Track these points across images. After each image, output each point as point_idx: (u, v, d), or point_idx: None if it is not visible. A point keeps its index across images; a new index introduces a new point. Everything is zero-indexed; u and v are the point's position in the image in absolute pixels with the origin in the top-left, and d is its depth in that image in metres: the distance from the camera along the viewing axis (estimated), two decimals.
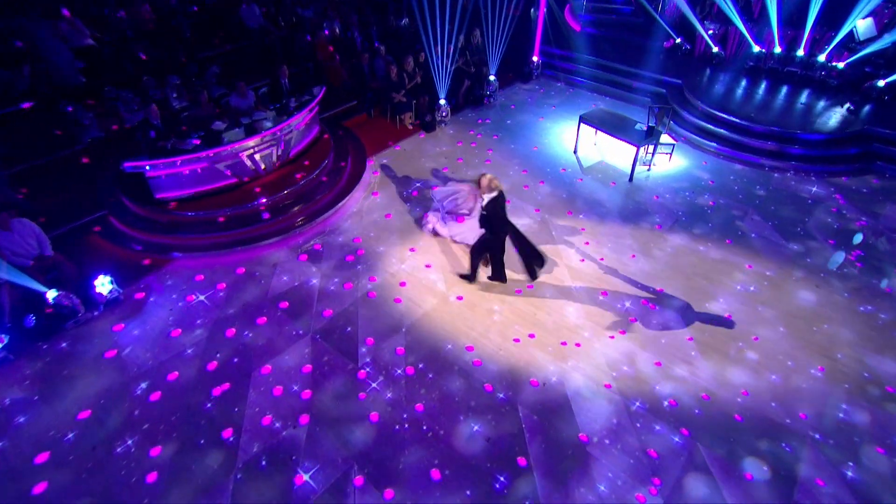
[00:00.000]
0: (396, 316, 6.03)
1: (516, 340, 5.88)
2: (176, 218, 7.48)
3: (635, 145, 9.44)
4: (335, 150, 9.50)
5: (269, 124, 8.10)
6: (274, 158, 8.39)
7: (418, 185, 8.22)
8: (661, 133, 9.75)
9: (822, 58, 12.08)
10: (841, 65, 11.77)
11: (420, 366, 5.44)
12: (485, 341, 5.76)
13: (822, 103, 11.33)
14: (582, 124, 10.14)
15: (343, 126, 10.63)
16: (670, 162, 10.11)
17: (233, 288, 6.39)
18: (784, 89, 11.96)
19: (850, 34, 11.95)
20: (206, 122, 8.03)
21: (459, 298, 6.37)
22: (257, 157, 8.18)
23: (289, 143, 8.63)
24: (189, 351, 5.52)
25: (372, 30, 12.32)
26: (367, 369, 5.29)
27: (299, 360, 5.41)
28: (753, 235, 7.55)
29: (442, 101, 10.96)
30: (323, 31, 11.34)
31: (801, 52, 12.32)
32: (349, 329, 5.88)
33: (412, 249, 7.06)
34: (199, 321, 5.92)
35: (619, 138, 9.69)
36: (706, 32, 13.06)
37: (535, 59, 13.42)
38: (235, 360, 5.43)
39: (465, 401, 4.92)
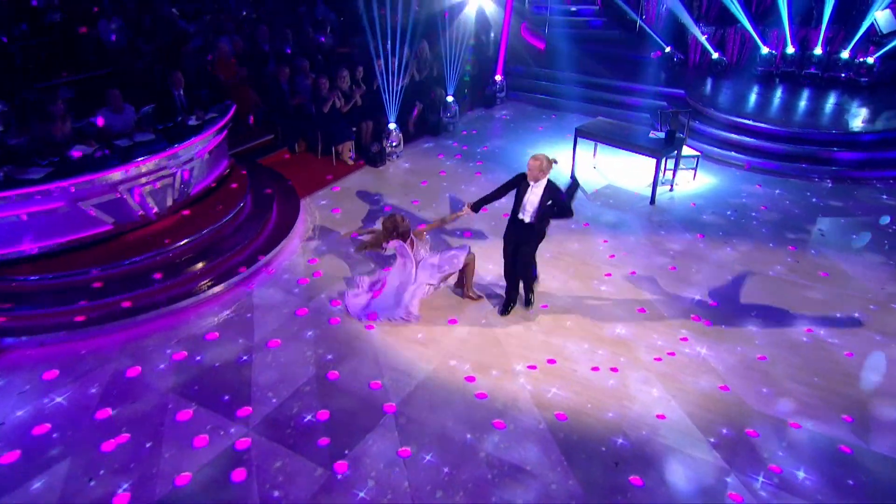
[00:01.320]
0: (375, 392, 5.53)
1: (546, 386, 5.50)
2: (10, 286, 6.43)
3: (654, 157, 9.42)
4: (254, 189, 8.87)
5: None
6: (170, 198, 7.63)
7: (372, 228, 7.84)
8: (684, 140, 9.72)
9: (844, 54, 12.97)
10: (871, 59, 12.63)
11: (427, 458, 4.70)
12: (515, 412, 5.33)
13: (856, 103, 12.07)
14: (579, 140, 10.03)
15: (259, 165, 10.11)
16: (695, 179, 10.17)
17: (111, 384, 5.48)
18: (806, 93, 12.75)
19: (872, 28, 13.00)
20: (61, 145, 7.15)
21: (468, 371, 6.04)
22: (146, 194, 7.34)
23: (190, 176, 7.90)
24: (38, 485, 4.56)
25: (288, 45, 12.17)
26: (346, 472, 4.65)
27: (228, 470, 4.66)
28: (844, 259, 7.90)
29: (392, 126, 10.69)
30: (222, 44, 11.01)
31: (818, 51, 13.12)
32: (307, 418, 5.08)
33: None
34: (55, 439, 4.86)
35: (631, 151, 9.72)
36: (704, 37, 13.89)
37: (498, 78, 13.64)
38: (124, 485, 4.47)
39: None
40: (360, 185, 9.81)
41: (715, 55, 13.86)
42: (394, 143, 10.82)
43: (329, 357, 6.12)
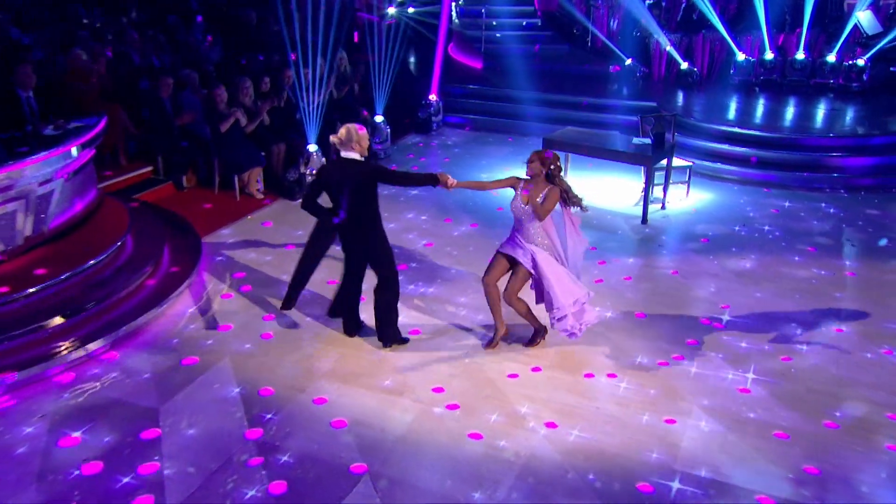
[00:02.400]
0: (338, 453, 5.20)
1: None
2: None
3: (643, 165, 9.54)
4: (135, 226, 8.35)
5: None
6: (19, 234, 7.10)
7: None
8: (675, 145, 9.96)
9: (831, 58, 13.90)
10: (861, 61, 13.56)
11: None
12: None
13: (852, 107, 12.90)
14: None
15: (138, 200, 9.61)
16: (689, 196, 10.40)
17: None
18: (793, 101, 13.53)
19: (856, 29, 14.14)
20: None
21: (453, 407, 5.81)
22: None
23: (45, 203, 7.32)
24: None
25: (165, 55, 11.90)
26: None
27: None
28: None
29: (312, 148, 10.45)
30: (76, 54, 10.59)
31: (801, 56, 14.03)
32: (249, 494, 4.87)
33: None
34: None
35: (612, 160, 9.95)
36: (670, 45, 14.66)
37: (432, 98, 13.83)
38: None
39: None
40: (274, 225, 9.47)
41: (684, 65, 14.54)
42: (313, 171, 10.45)
43: (268, 416, 5.64)
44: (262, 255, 8.54)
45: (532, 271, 6.20)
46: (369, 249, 6.33)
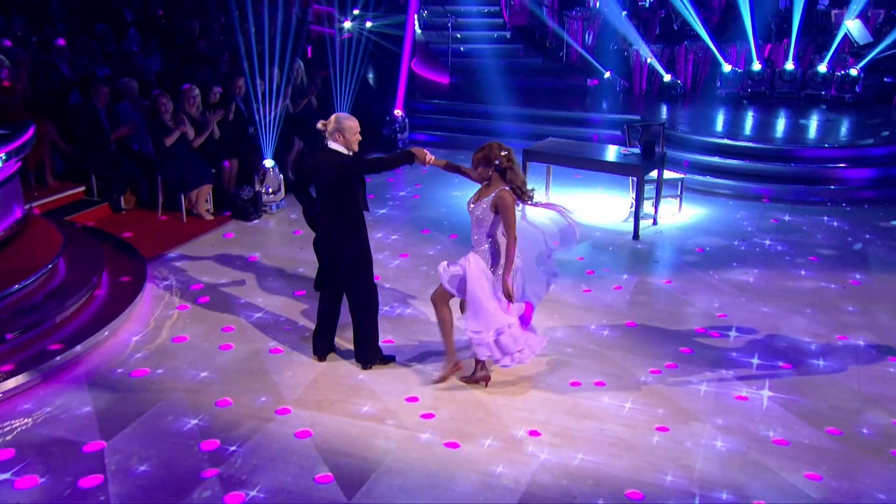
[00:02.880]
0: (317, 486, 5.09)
1: None
2: None
3: (633, 176, 9.67)
4: (70, 247, 8.26)
5: None
6: None
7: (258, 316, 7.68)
8: (665, 156, 10.10)
9: (822, 68, 14.33)
10: (854, 71, 14.00)
11: None
12: None
13: (847, 118, 13.30)
14: (530, 166, 10.17)
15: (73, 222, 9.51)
16: (681, 211, 10.55)
17: None
18: (784, 113, 13.87)
19: (846, 39, 14.68)
20: None
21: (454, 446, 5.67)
22: None
23: None
24: None
25: (98, 65, 11.82)
26: None
27: None
28: None
29: (269, 163, 10.41)
30: None
31: (790, 66, 14.42)
32: None
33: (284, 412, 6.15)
34: None
35: (598, 171, 10.09)
36: (652, 57, 14.97)
37: (398, 113, 13.91)
38: None
39: None
40: (227, 247, 9.36)
41: (667, 77, 14.82)
42: (270, 190, 10.36)
43: (232, 449, 5.48)
44: (214, 278, 8.40)
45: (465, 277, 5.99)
46: (343, 256, 6.20)
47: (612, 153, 10.14)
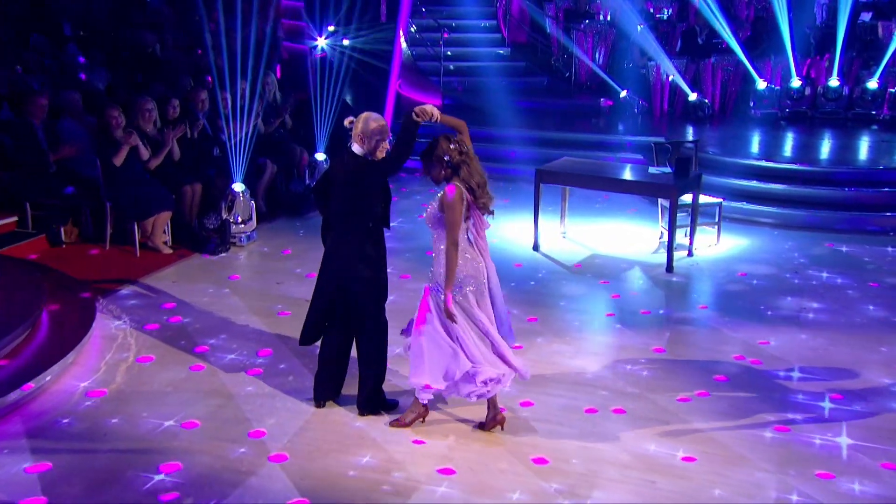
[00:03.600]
0: None
1: None
2: None
3: (666, 199, 9.63)
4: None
5: None
6: None
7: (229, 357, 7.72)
8: (701, 178, 10.13)
9: (872, 84, 14.53)
10: None
11: None
12: None
13: None
14: (543, 186, 10.20)
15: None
16: (719, 242, 10.57)
17: None
18: (830, 133, 14.02)
19: None
20: None
21: None
22: None
23: None
24: None
25: (34, 78, 11.78)
26: None
27: None
28: None
29: (238, 188, 10.39)
30: None
31: (835, 83, 14.56)
32: None
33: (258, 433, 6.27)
34: None
35: (623, 192, 10.36)
36: (675, 73, 15.14)
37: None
38: None
39: None
40: (188, 283, 9.25)
41: (692, 96, 14.97)
42: (239, 219, 10.27)
43: None
44: (177, 316, 8.37)
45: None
46: (353, 280, 6.07)
47: (638, 173, 10.15)
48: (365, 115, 6.06)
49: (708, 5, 15.28)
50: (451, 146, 5.66)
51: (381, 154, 5.94)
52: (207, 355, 7.46)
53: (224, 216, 10.25)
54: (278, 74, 15.07)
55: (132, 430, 6.23)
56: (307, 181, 12.18)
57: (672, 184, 9.47)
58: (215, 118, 10.82)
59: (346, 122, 6.11)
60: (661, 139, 13.03)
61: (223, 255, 10.05)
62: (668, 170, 9.91)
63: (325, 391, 6.43)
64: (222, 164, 10.50)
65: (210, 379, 7.07)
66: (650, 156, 10.90)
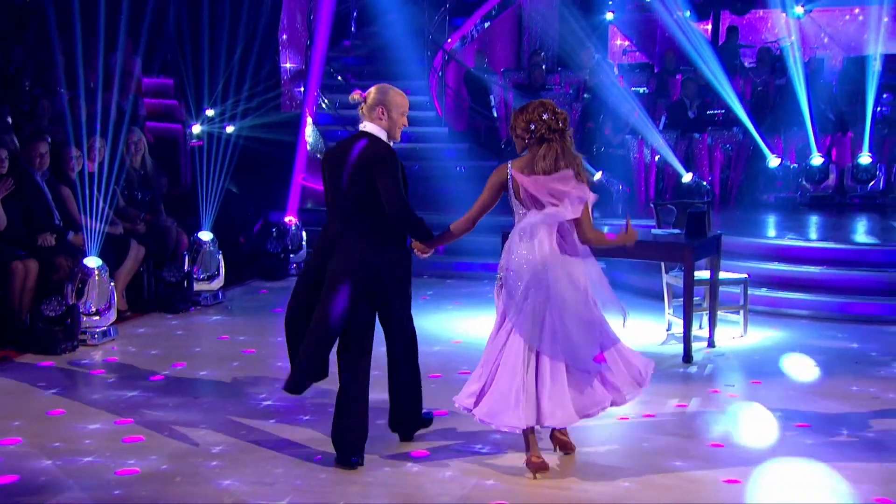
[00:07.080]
0: None
1: None
2: None
3: (680, 262, 9.44)
4: None
5: None
6: None
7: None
8: (720, 244, 9.93)
9: None
10: None
11: None
12: None
13: None
14: None
15: None
16: (746, 334, 10.33)
17: None
18: (863, 217, 14.28)
19: None
20: None
21: None
22: None
23: None
24: None
25: None
26: None
27: None
28: None
29: (93, 263, 10.08)
30: None
31: (866, 159, 14.80)
32: None
33: None
34: None
35: (628, 258, 10.24)
36: (665, 146, 15.19)
37: (289, 220, 14.17)
38: None
39: None
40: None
41: (686, 176, 14.87)
42: (91, 309, 9.96)
43: None
44: None
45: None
46: (383, 282, 6.27)
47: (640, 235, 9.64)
48: (379, 85, 6.36)
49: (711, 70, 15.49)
50: (545, 116, 5.87)
51: (398, 134, 6.23)
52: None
53: (71, 301, 9.67)
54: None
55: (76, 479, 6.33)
56: (186, 268, 11.98)
57: (685, 243, 9.20)
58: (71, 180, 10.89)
59: (353, 95, 6.36)
60: (652, 224, 12.76)
61: (68, 354, 9.57)
62: (676, 231, 9.86)
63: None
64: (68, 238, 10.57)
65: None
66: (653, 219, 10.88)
